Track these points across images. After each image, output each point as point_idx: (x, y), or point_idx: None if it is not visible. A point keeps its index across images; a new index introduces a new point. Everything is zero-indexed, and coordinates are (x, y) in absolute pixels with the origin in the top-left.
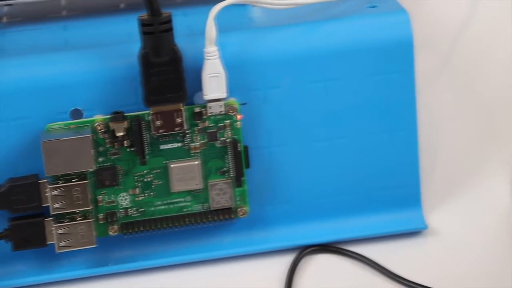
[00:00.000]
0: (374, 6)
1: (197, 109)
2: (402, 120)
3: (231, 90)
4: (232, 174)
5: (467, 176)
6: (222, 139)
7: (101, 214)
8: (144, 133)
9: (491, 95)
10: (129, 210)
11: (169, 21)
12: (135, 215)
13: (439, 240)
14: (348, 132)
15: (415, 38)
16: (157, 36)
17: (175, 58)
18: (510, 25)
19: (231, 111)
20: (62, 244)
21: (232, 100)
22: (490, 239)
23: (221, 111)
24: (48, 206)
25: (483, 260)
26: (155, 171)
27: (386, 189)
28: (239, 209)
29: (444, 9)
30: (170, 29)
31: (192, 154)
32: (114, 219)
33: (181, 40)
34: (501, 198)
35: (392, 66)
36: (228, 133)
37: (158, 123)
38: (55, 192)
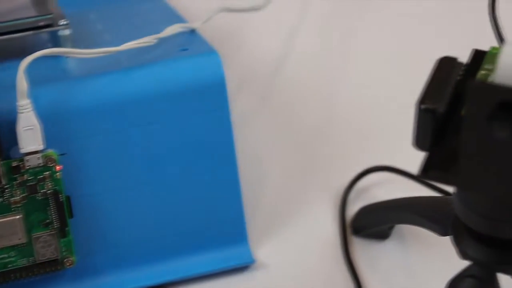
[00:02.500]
0: (185, 49)
1: (14, 163)
2: (221, 158)
3: (49, 141)
4: (55, 225)
5: (292, 208)
6: (42, 191)
7: None
8: None
9: (307, 128)
10: None
11: None
12: None
13: (267, 273)
14: (170, 173)
15: (233, 79)
16: None
17: None
18: (322, 63)
19: (49, 163)
20: None
21: (50, 151)
22: (317, 267)
23: (39, 163)
24: None
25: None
26: None
27: (212, 227)
28: (65, 260)
29: (261, 50)
30: None
31: (12, 209)
32: None
33: None
34: (325, 226)
35: (207, 106)
36: (49, 185)
37: None
38: None
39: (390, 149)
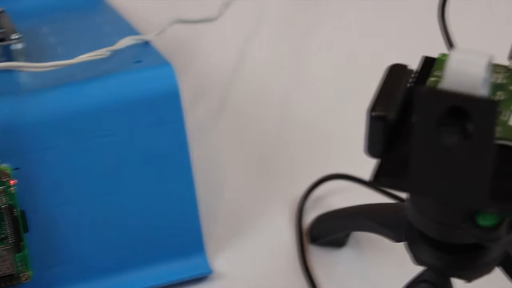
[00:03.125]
0: (139, 61)
1: None
2: (177, 170)
3: (3, 156)
4: (10, 240)
5: (248, 217)
6: None
7: None
8: None
9: (264, 137)
10: None
11: None
12: None
13: (225, 283)
14: (126, 186)
15: (189, 90)
16: None
17: None
18: (277, 72)
19: (3, 177)
20: None
21: (4, 166)
22: (274, 276)
23: None
24: None
25: None
26: None
27: (168, 238)
28: (21, 275)
29: (216, 61)
30: None
31: None
32: None
33: None
34: (281, 235)
35: (162, 117)
36: (3, 200)
37: None
38: None
39: (346, 157)
